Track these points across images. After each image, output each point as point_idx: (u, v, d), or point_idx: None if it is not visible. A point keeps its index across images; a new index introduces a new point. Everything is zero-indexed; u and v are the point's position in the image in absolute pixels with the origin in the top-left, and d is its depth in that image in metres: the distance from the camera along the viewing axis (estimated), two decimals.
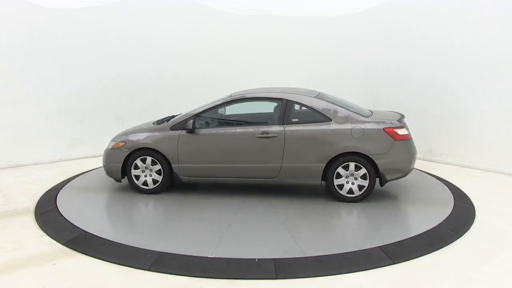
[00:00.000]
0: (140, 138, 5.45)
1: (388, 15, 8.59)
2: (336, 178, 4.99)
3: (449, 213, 4.65)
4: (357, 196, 5.00)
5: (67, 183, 6.00)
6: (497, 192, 5.66)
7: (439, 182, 6.07)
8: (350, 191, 5.00)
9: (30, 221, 4.56)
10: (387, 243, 3.81)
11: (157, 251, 3.65)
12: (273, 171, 5.12)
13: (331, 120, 5.02)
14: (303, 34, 10.02)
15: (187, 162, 5.27)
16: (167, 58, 8.97)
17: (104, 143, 8.34)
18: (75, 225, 4.29)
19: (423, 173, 6.67)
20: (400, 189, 5.70)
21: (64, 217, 4.53)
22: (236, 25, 9.80)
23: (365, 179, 4.95)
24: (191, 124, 5.18)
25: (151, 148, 5.33)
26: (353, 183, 4.99)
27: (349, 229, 4.25)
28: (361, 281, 3.22)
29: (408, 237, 3.97)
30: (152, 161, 5.37)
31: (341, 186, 5.01)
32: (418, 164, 7.38)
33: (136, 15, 8.59)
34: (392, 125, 4.96)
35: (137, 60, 8.61)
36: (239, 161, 5.16)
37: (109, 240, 3.90)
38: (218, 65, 9.49)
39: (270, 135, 5.05)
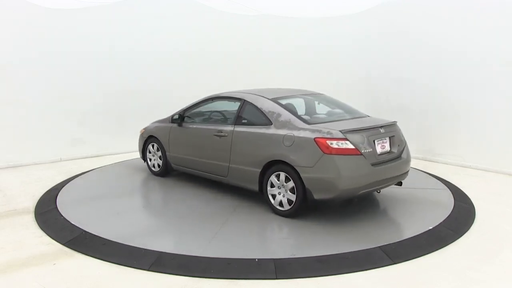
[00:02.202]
0: (152, 127, 6.42)
1: (388, 15, 8.60)
2: (271, 187, 4.61)
3: (449, 213, 4.65)
4: (286, 210, 4.49)
5: (67, 183, 5.99)
6: (497, 192, 5.66)
7: (439, 182, 6.07)
8: (281, 203, 4.55)
9: (30, 221, 4.56)
10: (387, 243, 3.81)
11: (157, 251, 3.65)
12: (223, 170, 5.18)
13: (272, 124, 4.69)
14: (303, 34, 10.02)
15: (173, 152, 5.99)
16: (167, 58, 8.97)
17: (104, 143, 8.40)
18: (75, 225, 4.28)
19: (423, 173, 6.67)
20: (400, 189, 5.70)
21: (64, 217, 4.52)
22: (236, 25, 9.80)
23: (294, 193, 4.40)
24: (177, 118, 5.84)
25: (155, 137, 6.23)
26: (284, 195, 4.51)
27: (349, 229, 4.25)
28: (361, 281, 3.22)
29: (408, 237, 3.97)
30: (157, 148, 6.24)
31: (274, 196, 4.61)
32: (418, 164, 7.40)
33: (136, 15, 8.59)
34: (327, 136, 4.20)
35: (137, 60, 8.61)
36: (202, 156, 5.52)
37: (109, 240, 3.90)
38: (218, 65, 9.50)
39: (222, 134, 5.17)
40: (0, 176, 6.53)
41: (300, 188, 4.30)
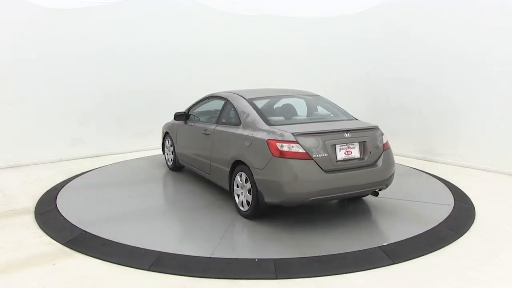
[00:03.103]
0: (168, 123, 6.87)
1: (388, 15, 8.60)
2: (237, 186, 4.62)
3: (449, 213, 4.65)
4: (245, 211, 4.47)
5: (67, 183, 6.00)
6: (497, 192, 5.66)
7: (439, 182, 6.06)
8: (242, 203, 4.54)
9: (30, 221, 4.56)
10: (387, 243, 3.81)
11: (157, 251, 3.65)
12: (207, 167, 5.34)
13: (241, 124, 4.71)
14: (303, 34, 10.03)
15: (178, 148, 6.38)
16: (167, 58, 8.97)
17: (104, 143, 8.40)
18: (75, 225, 4.28)
19: (423, 173, 6.66)
20: (400, 189, 5.69)
21: (64, 217, 4.52)
22: (236, 25, 9.80)
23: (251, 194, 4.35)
24: (180, 116, 6.09)
25: (169, 133, 6.72)
26: (244, 196, 4.49)
27: (349, 229, 4.25)
28: (361, 281, 3.22)
29: (408, 237, 3.97)
30: (171, 143, 6.68)
31: (239, 196, 4.60)
32: (418, 164, 7.40)
33: (136, 15, 8.59)
34: (279, 138, 4.09)
35: (137, 60, 8.61)
36: (195, 153, 5.77)
37: (109, 240, 3.90)
38: (218, 65, 9.50)
39: (207, 132, 5.33)
40: (0, 176, 6.53)
41: (255, 190, 4.25)
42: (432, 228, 4.19)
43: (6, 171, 6.83)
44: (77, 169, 6.94)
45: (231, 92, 5.38)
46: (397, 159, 7.78)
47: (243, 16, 9.91)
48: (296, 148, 4.01)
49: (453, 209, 4.80)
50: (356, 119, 4.95)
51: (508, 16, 6.63)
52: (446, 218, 4.48)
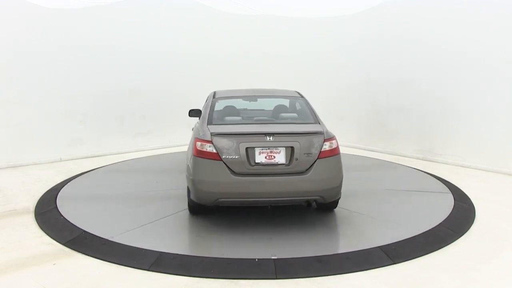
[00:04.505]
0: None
1: (388, 15, 8.60)
2: None
3: (449, 213, 4.65)
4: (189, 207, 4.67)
5: (67, 183, 5.99)
6: (497, 192, 5.66)
7: (439, 182, 6.07)
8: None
9: (30, 221, 4.56)
10: (387, 243, 3.81)
11: (157, 251, 3.65)
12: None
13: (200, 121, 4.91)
14: (303, 35, 10.03)
15: None
16: (167, 58, 8.97)
17: (104, 143, 8.40)
18: (75, 225, 4.28)
19: (423, 173, 6.67)
20: (400, 189, 5.70)
21: (64, 217, 4.52)
22: (236, 25, 9.81)
23: None
24: (190, 113, 5.56)
25: None
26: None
27: (349, 229, 4.25)
28: (361, 281, 3.22)
29: (408, 237, 3.97)
30: None
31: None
32: (418, 164, 7.40)
33: (136, 14, 8.59)
34: (200, 137, 4.14)
35: (137, 59, 8.61)
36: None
37: (109, 240, 3.90)
38: (218, 65, 9.51)
39: (193, 129, 5.33)
40: (0, 176, 6.53)
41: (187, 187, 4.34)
42: (432, 228, 4.19)
43: (6, 171, 6.83)
44: (77, 169, 6.94)
45: (216, 91, 5.48)
46: (397, 159, 7.83)
47: (243, 16, 9.92)
48: (210, 148, 3.99)
49: (453, 209, 4.80)
50: (318, 124, 4.51)
51: (508, 16, 6.63)
52: (446, 218, 4.48)
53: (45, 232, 4.21)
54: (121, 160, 7.68)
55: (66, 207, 4.87)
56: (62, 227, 4.30)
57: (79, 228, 4.21)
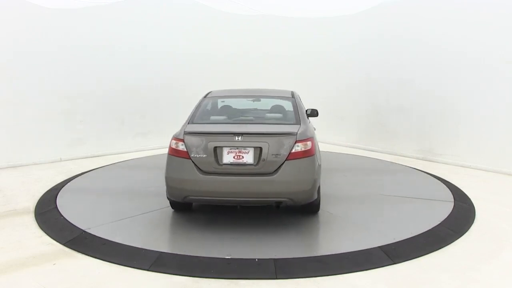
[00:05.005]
0: None
1: (388, 15, 8.60)
2: None
3: (449, 213, 4.65)
4: None
5: (67, 183, 5.99)
6: (497, 192, 5.66)
7: (439, 182, 6.07)
8: None
9: (30, 221, 4.56)
10: (387, 243, 3.81)
11: (157, 251, 3.65)
12: None
13: None
14: (303, 34, 10.03)
15: None
16: (167, 58, 8.98)
17: (104, 143, 8.40)
18: (75, 225, 4.28)
19: (423, 173, 6.66)
20: (400, 189, 5.70)
21: (64, 217, 4.52)
22: (236, 25, 9.81)
23: None
24: None
25: None
26: None
27: (349, 229, 4.25)
28: (361, 281, 3.22)
29: (408, 237, 3.97)
30: None
31: None
32: (418, 164, 7.40)
33: (136, 14, 8.59)
34: (176, 136, 4.28)
35: (137, 60, 8.62)
36: None
37: (109, 240, 3.90)
38: (218, 64, 9.51)
39: None
40: (0, 176, 6.53)
41: None
42: (432, 228, 4.19)
43: (6, 171, 6.82)
44: (77, 169, 6.94)
45: (211, 91, 5.53)
46: (397, 159, 7.82)
47: (243, 16, 9.92)
48: (182, 147, 4.10)
49: (453, 209, 4.80)
50: (298, 125, 4.42)
51: (508, 16, 6.63)
52: (446, 218, 4.48)
53: (45, 232, 4.20)
54: (121, 160, 7.68)
55: (66, 207, 4.87)
56: (62, 227, 4.30)
57: (79, 228, 4.21)
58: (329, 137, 9.44)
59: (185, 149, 4.06)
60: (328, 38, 9.67)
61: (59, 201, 5.10)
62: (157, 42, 8.83)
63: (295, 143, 4.01)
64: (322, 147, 8.32)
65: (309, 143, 4.09)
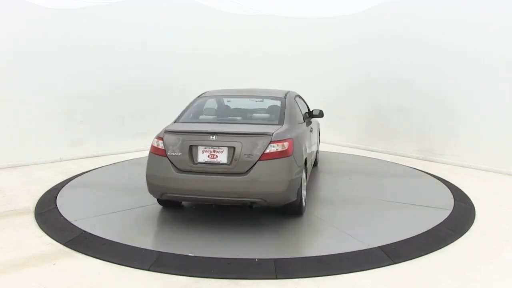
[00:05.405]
0: None
1: (388, 15, 8.60)
2: None
3: (449, 213, 4.65)
4: None
5: (67, 183, 5.99)
6: (497, 192, 5.66)
7: (439, 182, 6.07)
8: None
9: (30, 221, 4.56)
10: (387, 243, 3.81)
11: (157, 251, 3.65)
12: None
13: None
14: (303, 34, 10.03)
15: None
16: (167, 58, 8.98)
17: (104, 143, 8.40)
18: (75, 225, 4.28)
19: (423, 173, 6.66)
20: (400, 189, 5.70)
21: (64, 217, 4.52)
22: (236, 25, 9.81)
23: None
24: None
25: None
26: None
27: (349, 229, 4.25)
28: (361, 281, 3.22)
29: (408, 237, 3.97)
30: None
31: None
32: (418, 164, 7.40)
33: (136, 14, 8.59)
34: (158, 134, 4.34)
35: (137, 60, 8.62)
36: None
37: (109, 240, 3.90)
38: (218, 64, 9.51)
39: None
40: (0, 176, 6.53)
41: None
42: (432, 228, 4.19)
43: (6, 171, 6.82)
44: (77, 169, 6.94)
45: (207, 91, 5.60)
46: (397, 159, 7.83)
47: (243, 16, 9.92)
48: (160, 145, 4.21)
49: (453, 209, 4.80)
50: (280, 125, 4.40)
51: (508, 16, 6.63)
52: (446, 218, 4.48)
53: (45, 232, 4.20)
54: (121, 160, 7.68)
55: (66, 207, 4.86)
56: (62, 227, 4.30)
57: (79, 228, 4.20)
58: (329, 137, 9.44)
59: (163, 147, 4.17)
60: (328, 38, 9.67)
61: (59, 201, 5.10)
62: (157, 42, 8.83)
63: (270, 143, 3.99)
64: (322, 147, 8.34)
65: (286, 143, 4.05)
